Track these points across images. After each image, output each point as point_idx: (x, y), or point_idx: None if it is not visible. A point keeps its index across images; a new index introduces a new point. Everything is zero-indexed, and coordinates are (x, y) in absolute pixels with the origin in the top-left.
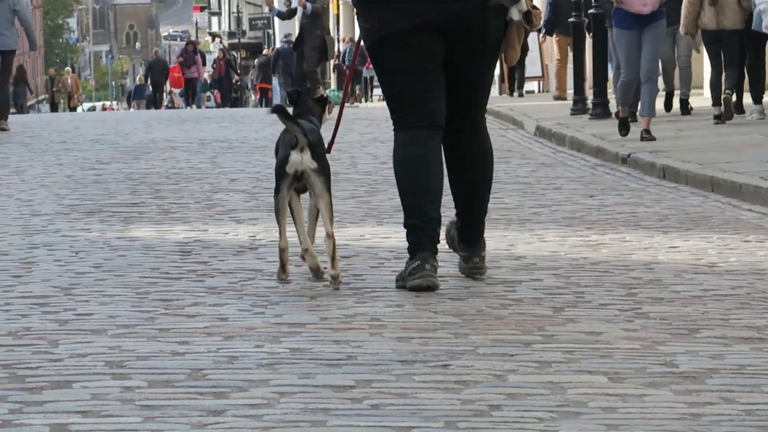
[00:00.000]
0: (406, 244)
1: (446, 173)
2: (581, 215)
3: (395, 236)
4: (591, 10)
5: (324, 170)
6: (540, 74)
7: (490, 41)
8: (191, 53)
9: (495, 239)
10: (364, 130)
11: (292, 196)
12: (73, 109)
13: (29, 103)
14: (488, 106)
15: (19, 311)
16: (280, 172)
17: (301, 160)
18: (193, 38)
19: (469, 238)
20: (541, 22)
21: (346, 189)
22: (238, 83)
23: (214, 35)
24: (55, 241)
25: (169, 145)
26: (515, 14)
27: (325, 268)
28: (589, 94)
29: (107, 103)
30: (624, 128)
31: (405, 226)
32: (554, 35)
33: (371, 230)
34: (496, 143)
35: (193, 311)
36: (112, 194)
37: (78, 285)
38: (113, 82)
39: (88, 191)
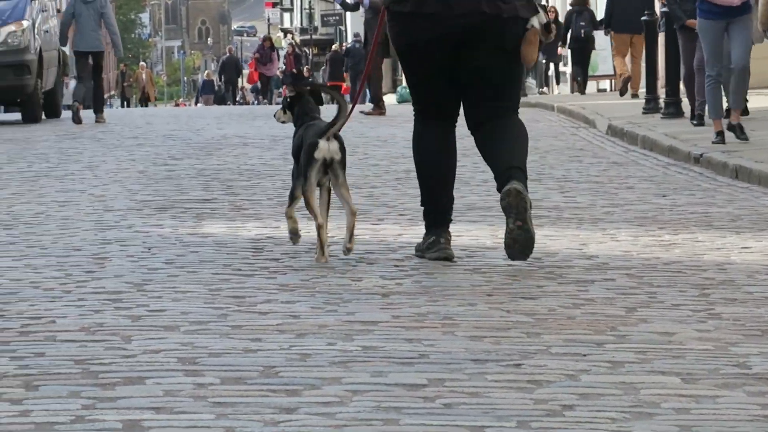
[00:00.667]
0: (427, 225)
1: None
2: (653, 215)
3: (467, 234)
4: (663, 8)
5: (345, 162)
6: (612, 72)
7: (508, 46)
8: (267, 50)
9: (567, 238)
10: None
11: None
12: (146, 104)
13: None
14: (561, 105)
15: (92, 307)
16: (309, 158)
17: (328, 148)
18: (262, 34)
19: (507, 175)
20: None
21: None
22: (309, 79)
23: (285, 31)
24: (127, 236)
25: (241, 142)
26: (535, 23)
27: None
28: (661, 92)
29: (180, 100)
30: (720, 139)
31: (422, 205)
32: (611, 31)
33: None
34: (568, 141)
35: (265, 308)
36: (185, 190)
37: (151, 281)
38: (185, 78)
39: (161, 187)
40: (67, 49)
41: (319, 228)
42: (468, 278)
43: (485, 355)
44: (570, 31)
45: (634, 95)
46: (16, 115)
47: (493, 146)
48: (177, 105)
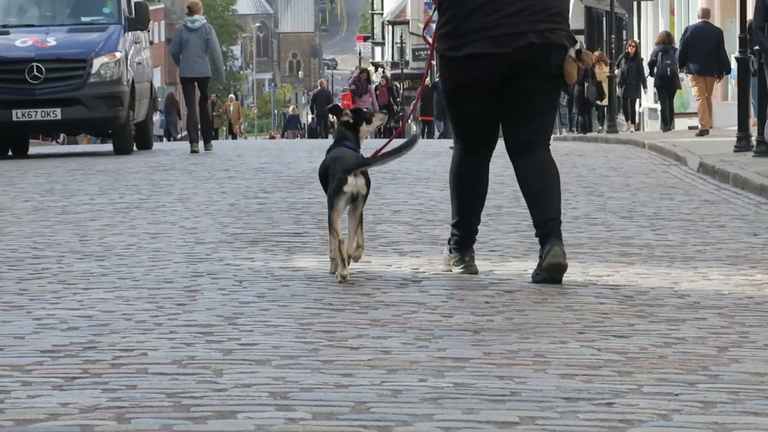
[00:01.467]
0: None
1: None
2: (745, 254)
3: None
4: (756, 47)
5: (367, 194)
6: None
7: (554, 72)
8: (364, 82)
9: (658, 276)
10: None
11: None
12: (234, 136)
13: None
14: (651, 142)
15: (183, 340)
16: (338, 191)
17: (356, 183)
18: (351, 68)
19: (543, 235)
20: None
21: (508, 223)
22: (400, 113)
23: (377, 65)
24: (219, 269)
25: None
26: (572, 52)
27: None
28: (753, 131)
29: (272, 131)
30: None
31: (452, 226)
32: (686, 71)
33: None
34: (659, 179)
35: (356, 343)
36: (276, 223)
37: (242, 314)
38: (275, 111)
39: (252, 220)
40: (157, 82)
41: (340, 243)
42: (559, 316)
43: (577, 394)
44: (656, 69)
45: (704, 132)
46: (108, 147)
47: (533, 186)
48: (272, 137)
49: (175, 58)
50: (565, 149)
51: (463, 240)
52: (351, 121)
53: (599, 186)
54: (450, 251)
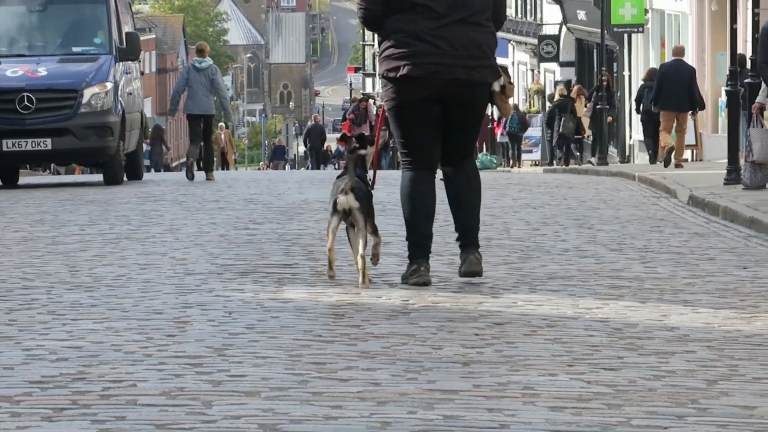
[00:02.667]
0: (407, 252)
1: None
2: (735, 287)
3: (548, 304)
4: (747, 80)
5: (364, 209)
6: (694, 143)
7: (477, 106)
8: (363, 111)
9: (648, 309)
10: (516, 196)
11: (348, 228)
12: (227, 167)
13: (174, 163)
14: (641, 174)
15: (172, 371)
16: (333, 209)
17: (346, 200)
18: (343, 98)
19: (464, 241)
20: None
21: (498, 255)
22: (391, 145)
23: (368, 96)
24: (208, 300)
25: (322, 207)
26: (496, 86)
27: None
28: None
29: (261, 163)
30: None
31: (407, 240)
32: (658, 108)
33: (524, 297)
34: (649, 211)
35: (346, 375)
36: (266, 255)
37: (231, 346)
38: (266, 141)
39: (242, 251)
40: (147, 112)
41: (329, 250)
42: (548, 348)
43: (566, 426)
44: (642, 104)
45: (678, 165)
46: (98, 177)
47: (461, 201)
48: (259, 169)
49: (175, 96)
50: (556, 181)
51: (418, 251)
52: (358, 146)
53: (589, 218)
54: (408, 264)
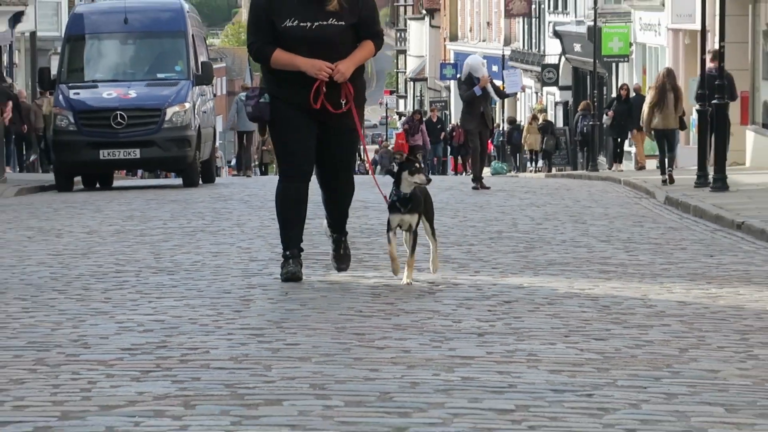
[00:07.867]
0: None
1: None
2: (703, 272)
3: (547, 286)
4: (714, 101)
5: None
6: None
7: (347, 129)
8: (417, 122)
9: (631, 290)
10: (523, 196)
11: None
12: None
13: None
14: (626, 179)
15: (239, 340)
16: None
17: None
18: (380, 116)
19: (338, 226)
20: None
21: (507, 245)
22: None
23: (400, 114)
24: (269, 282)
25: (362, 205)
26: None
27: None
28: (710, 170)
29: None
30: None
31: (282, 242)
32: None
33: (528, 280)
34: (632, 210)
35: (381, 344)
36: (316, 244)
37: (287, 319)
38: None
39: None
40: (218, 128)
41: (392, 257)
42: (548, 322)
43: (563, 386)
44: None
45: (641, 168)
46: (178, 181)
47: (336, 206)
48: None
49: (230, 120)
50: (555, 185)
51: (289, 249)
52: (399, 159)
53: (583, 215)
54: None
